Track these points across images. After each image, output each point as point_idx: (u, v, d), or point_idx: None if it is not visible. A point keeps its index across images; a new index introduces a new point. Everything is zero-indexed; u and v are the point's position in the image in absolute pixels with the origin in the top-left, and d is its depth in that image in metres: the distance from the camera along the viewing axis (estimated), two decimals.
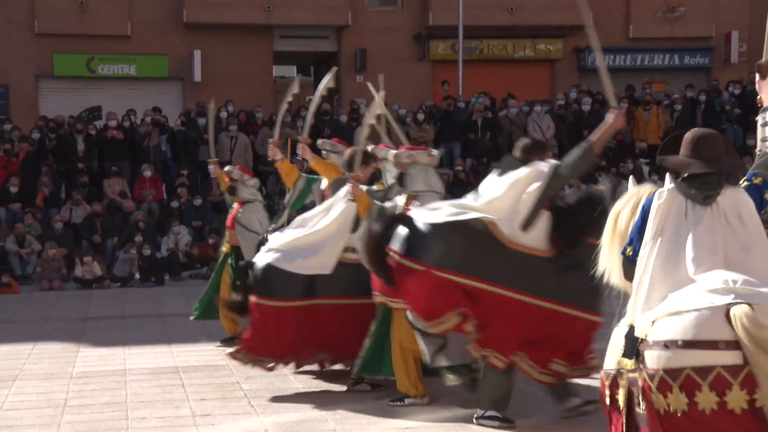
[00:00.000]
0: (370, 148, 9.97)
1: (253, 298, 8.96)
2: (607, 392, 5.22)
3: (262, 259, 9.12)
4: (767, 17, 6.87)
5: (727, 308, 4.78)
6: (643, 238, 5.22)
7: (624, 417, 5.16)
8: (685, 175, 5.28)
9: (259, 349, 8.92)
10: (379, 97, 10.28)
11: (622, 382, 5.13)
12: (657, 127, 21.97)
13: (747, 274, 5.00)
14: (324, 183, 10.22)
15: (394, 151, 9.31)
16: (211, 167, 13.60)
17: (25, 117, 25.59)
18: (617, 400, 5.18)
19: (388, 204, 8.54)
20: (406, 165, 8.91)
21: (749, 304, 4.74)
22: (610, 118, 7.38)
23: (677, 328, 4.87)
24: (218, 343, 11.61)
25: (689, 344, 4.81)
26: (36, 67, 27.36)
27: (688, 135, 5.40)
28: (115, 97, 26.56)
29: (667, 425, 4.87)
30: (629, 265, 5.32)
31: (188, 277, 20.01)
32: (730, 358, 4.74)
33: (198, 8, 27.15)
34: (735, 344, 4.72)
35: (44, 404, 8.57)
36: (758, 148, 5.58)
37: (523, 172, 7.64)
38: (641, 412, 5.03)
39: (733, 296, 4.84)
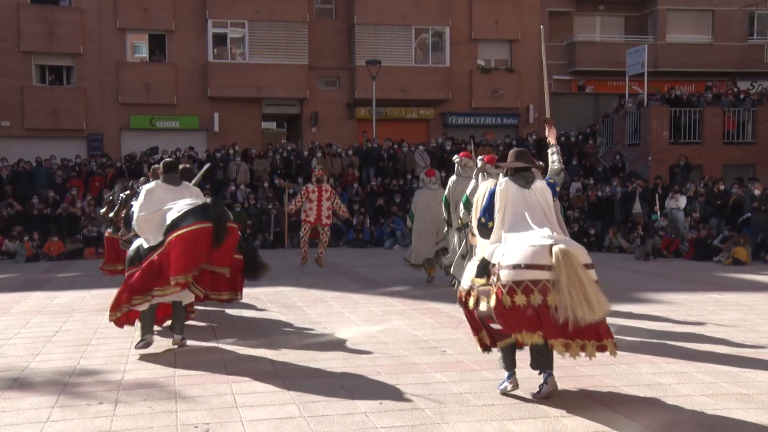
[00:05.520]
0: None
1: None
2: (463, 300, 5.42)
3: None
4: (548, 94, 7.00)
5: (551, 246, 5.00)
6: (493, 211, 5.38)
7: (473, 313, 5.38)
8: (513, 170, 5.49)
9: None
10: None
11: (473, 293, 5.31)
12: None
13: (551, 230, 5.23)
14: None
15: None
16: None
17: (113, 153, 25.34)
18: (469, 303, 5.37)
19: None
20: None
21: (564, 246, 5.00)
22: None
23: (521, 256, 5.04)
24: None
25: (528, 266, 4.99)
26: (119, 123, 26.76)
27: (512, 151, 5.68)
28: (166, 140, 26.01)
29: (509, 313, 5.02)
30: (483, 227, 5.45)
31: None
32: (551, 275, 4.94)
33: (217, 87, 26.86)
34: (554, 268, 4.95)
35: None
36: (550, 168, 5.85)
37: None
38: (485, 309, 5.19)
39: (553, 241, 5.05)
